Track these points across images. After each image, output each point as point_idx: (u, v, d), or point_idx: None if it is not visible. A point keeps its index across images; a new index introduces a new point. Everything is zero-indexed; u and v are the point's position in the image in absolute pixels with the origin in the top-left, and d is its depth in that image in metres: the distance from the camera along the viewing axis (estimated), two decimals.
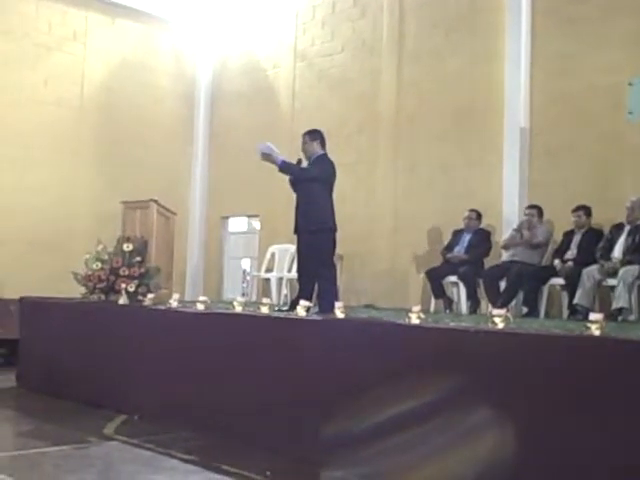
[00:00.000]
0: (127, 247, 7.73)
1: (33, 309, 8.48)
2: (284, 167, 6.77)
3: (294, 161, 6.94)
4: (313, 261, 6.67)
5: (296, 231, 6.87)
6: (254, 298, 10.60)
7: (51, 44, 11.58)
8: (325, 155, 6.88)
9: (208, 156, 13.08)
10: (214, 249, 12.95)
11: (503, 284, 7.99)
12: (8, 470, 4.84)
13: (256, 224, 12.58)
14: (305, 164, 6.93)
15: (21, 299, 8.65)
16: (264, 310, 6.11)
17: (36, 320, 8.36)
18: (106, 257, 7.79)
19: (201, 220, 13.03)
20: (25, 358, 8.36)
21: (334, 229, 6.76)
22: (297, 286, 7.25)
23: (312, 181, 6.71)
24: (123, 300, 7.45)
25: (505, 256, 8.43)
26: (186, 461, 5.15)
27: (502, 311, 4.50)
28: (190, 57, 13.13)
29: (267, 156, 6.75)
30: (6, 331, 9.64)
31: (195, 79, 13.16)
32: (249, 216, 12.78)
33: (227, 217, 12.97)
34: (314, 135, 6.92)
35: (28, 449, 5.55)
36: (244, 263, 13.01)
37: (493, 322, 4.41)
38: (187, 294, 11.68)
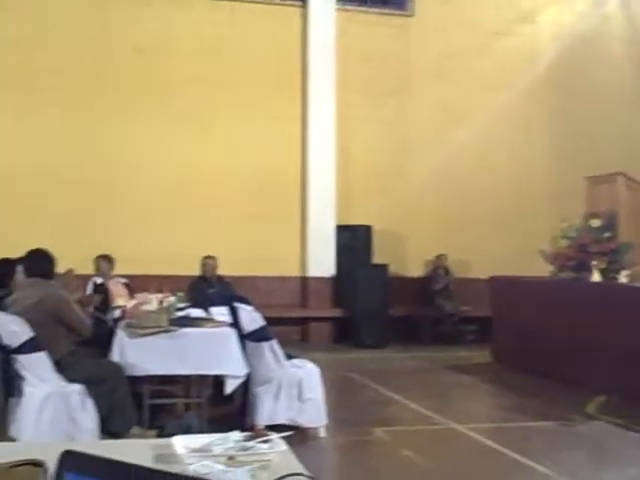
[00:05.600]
0: (594, 223, 7.54)
1: (503, 288, 8.75)
2: None
3: None
4: None
5: None
6: None
7: (500, 29, 11.80)
8: None
9: None
10: None
11: None
12: (496, 438, 5.10)
13: None
14: None
15: (491, 278, 8.97)
16: None
17: (507, 298, 8.61)
18: (573, 234, 7.69)
19: None
20: (498, 335, 8.68)
21: None
22: None
23: None
24: (595, 277, 7.28)
25: None
26: None
27: None
28: None
29: None
30: (476, 308, 10.15)
31: None
32: None
33: None
34: None
35: (511, 422, 5.78)
36: None
37: None
38: None
